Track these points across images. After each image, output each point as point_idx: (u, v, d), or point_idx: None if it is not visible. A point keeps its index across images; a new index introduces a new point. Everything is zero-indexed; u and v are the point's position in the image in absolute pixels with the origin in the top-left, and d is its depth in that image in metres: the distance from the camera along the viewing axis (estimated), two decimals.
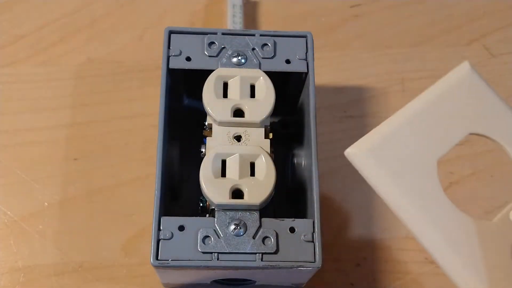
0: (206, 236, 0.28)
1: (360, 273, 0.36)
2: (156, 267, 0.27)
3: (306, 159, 0.32)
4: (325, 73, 0.41)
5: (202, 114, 0.31)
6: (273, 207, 0.30)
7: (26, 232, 0.36)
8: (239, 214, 0.28)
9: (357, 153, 0.22)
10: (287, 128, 0.36)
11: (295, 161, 0.34)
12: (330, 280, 0.35)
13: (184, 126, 0.34)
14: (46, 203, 0.36)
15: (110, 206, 0.36)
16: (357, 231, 0.37)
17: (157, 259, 0.27)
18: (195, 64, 0.31)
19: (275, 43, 0.32)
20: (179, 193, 0.34)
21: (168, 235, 0.28)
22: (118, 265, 0.35)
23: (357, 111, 0.40)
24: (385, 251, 0.36)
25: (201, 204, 0.31)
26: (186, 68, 0.31)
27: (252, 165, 0.29)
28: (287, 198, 0.34)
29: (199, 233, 0.28)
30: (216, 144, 0.30)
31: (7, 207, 0.36)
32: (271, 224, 0.28)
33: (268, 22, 0.43)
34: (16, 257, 0.35)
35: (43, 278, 0.35)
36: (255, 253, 0.28)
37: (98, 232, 0.36)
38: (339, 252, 0.36)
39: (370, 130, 0.21)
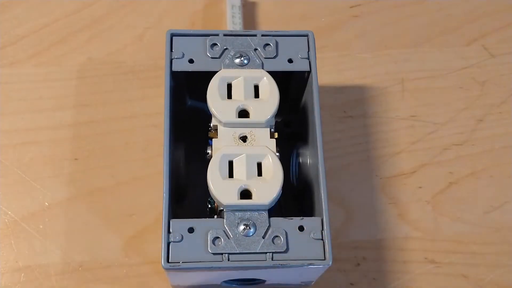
0: (216, 237, 0.28)
1: (360, 273, 0.36)
2: (167, 269, 0.27)
3: (311, 158, 0.32)
4: (325, 73, 0.41)
5: (206, 115, 0.31)
6: (280, 206, 0.30)
7: (27, 232, 0.36)
8: (247, 215, 0.28)
9: None
10: (289, 127, 0.36)
11: (300, 160, 0.34)
12: (330, 280, 0.35)
13: (188, 128, 0.34)
14: (46, 203, 0.36)
15: (110, 206, 0.36)
16: (357, 231, 0.37)
17: (168, 261, 0.27)
18: (198, 66, 0.31)
19: (277, 43, 0.32)
20: (184, 195, 0.34)
21: (178, 238, 0.28)
22: (118, 265, 0.35)
23: (357, 111, 0.40)
24: (385, 251, 0.36)
25: (209, 206, 0.30)
26: (189, 70, 0.31)
27: (259, 165, 0.29)
28: (293, 197, 0.34)
29: (208, 234, 0.28)
30: (222, 145, 0.30)
31: (8, 207, 0.36)
32: (280, 223, 0.28)
33: (268, 22, 0.43)
34: (16, 257, 0.35)
35: (43, 278, 0.35)
36: (266, 253, 0.28)
37: (98, 232, 0.36)
38: (339, 252, 0.36)
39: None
